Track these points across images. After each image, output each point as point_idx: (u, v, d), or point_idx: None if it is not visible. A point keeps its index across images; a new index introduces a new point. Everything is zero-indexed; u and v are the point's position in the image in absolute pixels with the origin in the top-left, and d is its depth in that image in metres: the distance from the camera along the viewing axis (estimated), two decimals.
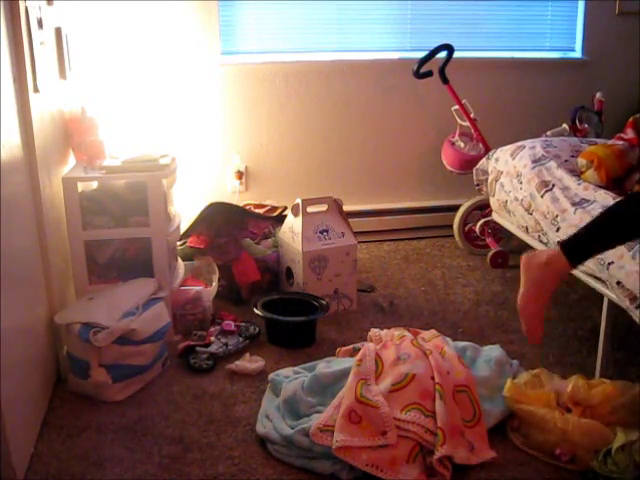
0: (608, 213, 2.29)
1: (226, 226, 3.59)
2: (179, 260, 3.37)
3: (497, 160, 3.63)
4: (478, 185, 3.79)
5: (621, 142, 3.24)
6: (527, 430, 2.38)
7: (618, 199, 2.52)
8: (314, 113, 4.23)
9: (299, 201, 3.38)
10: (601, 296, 2.75)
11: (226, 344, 2.97)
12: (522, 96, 4.47)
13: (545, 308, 2.24)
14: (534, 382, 2.52)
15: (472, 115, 3.98)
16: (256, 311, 3.09)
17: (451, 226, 4.23)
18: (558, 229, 3.01)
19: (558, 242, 2.28)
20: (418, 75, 3.91)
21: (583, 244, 2.25)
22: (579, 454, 2.24)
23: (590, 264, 2.75)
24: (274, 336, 3.09)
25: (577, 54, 4.53)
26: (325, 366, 2.61)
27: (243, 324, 3.13)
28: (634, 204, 2.22)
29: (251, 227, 3.67)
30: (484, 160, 3.75)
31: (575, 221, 2.89)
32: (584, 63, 4.50)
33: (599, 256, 2.61)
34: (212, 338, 2.99)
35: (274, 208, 3.87)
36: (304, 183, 4.21)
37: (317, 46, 4.20)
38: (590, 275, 2.78)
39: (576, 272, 2.91)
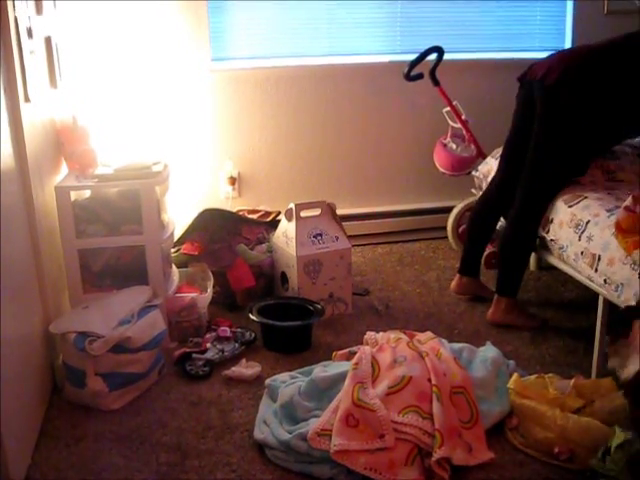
0: (504, 253, 3.29)
1: (220, 232, 3.58)
2: (173, 267, 3.36)
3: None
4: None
5: None
6: (526, 428, 2.38)
7: None
8: (306, 117, 4.23)
9: (292, 206, 3.38)
10: (596, 295, 2.76)
11: (222, 350, 2.97)
12: (513, 97, 4.46)
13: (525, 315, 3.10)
14: (538, 383, 2.52)
15: (463, 117, 3.99)
16: (251, 317, 3.09)
17: (445, 228, 4.23)
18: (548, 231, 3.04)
19: (497, 293, 3.32)
20: (409, 78, 3.91)
21: (511, 282, 3.33)
22: (578, 453, 2.25)
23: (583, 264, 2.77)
24: (270, 341, 3.09)
25: None
26: (322, 370, 2.61)
27: (239, 330, 3.12)
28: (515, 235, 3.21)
29: (245, 233, 3.67)
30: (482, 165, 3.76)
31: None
32: None
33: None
34: (208, 345, 2.98)
35: (267, 213, 3.87)
36: (297, 188, 4.21)
37: (308, 50, 4.20)
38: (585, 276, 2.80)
39: (570, 271, 2.93)
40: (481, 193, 3.57)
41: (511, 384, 2.49)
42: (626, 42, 3.06)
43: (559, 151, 3.05)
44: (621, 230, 2.56)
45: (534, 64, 3.25)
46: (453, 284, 3.55)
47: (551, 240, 3.03)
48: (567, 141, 3.04)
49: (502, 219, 3.45)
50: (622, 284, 2.55)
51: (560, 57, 3.17)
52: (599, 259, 2.68)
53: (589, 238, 2.77)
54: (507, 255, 3.26)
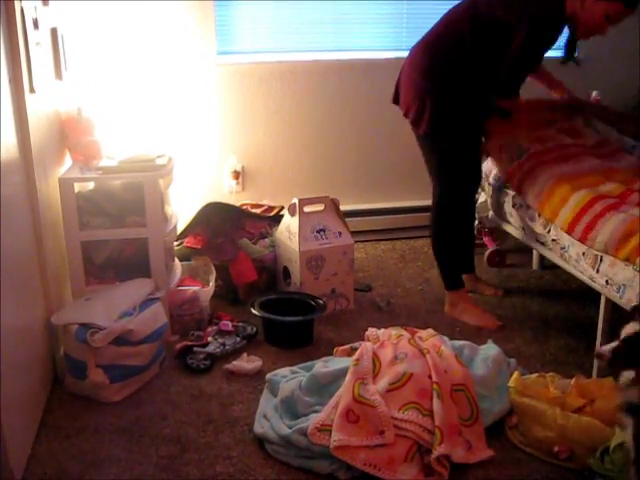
0: (437, 249, 3.45)
1: (223, 226, 3.58)
2: (176, 260, 3.36)
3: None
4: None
5: None
6: (526, 426, 2.38)
7: None
8: (310, 113, 4.23)
9: (296, 201, 3.38)
10: (598, 294, 2.75)
11: (223, 344, 2.97)
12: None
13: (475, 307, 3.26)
14: (539, 382, 2.52)
15: None
16: (253, 311, 3.09)
17: None
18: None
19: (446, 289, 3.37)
20: None
21: (451, 275, 3.48)
22: (578, 452, 2.25)
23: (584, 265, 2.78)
24: (271, 336, 3.09)
25: None
26: (322, 366, 2.61)
27: (240, 324, 3.13)
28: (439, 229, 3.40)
29: (248, 227, 3.67)
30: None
31: None
32: (579, 62, 4.49)
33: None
34: (209, 338, 2.99)
35: (271, 208, 3.87)
36: (301, 183, 4.21)
37: (313, 46, 4.20)
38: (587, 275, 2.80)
39: (573, 271, 2.93)
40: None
41: (512, 382, 2.49)
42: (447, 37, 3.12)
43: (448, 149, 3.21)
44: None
45: (396, 91, 3.35)
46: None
47: (553, 240, 3.03)
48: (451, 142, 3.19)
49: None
50: (624, 285, 2.54)
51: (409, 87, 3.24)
52: (601, 260, 2.68)
53: None
54: (434, 247, 3.40)
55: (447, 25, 3.14)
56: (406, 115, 3.23)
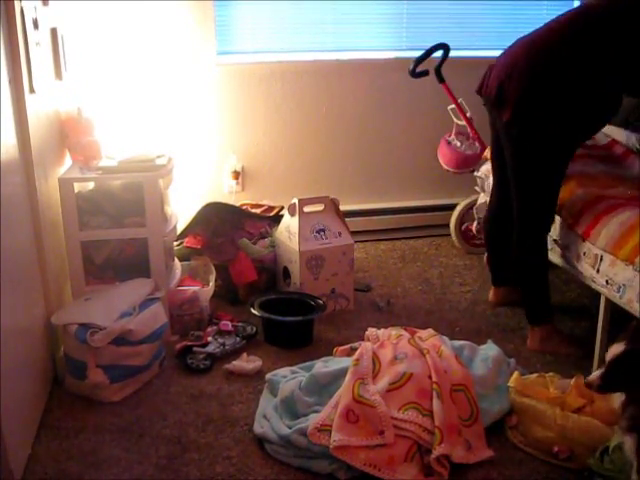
0: (524, 281, 3.08)
1: (223, 226, 3.58)
2: (176, 260, 3.36)
3: None
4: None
5: None
6: (526, 426, 2.38)
7: None
8: (310, 113, 4.23)
9: (296, 201, 3.38)
10: (598, 294, 2.75)
11: (223, 344, 2.97)
12: None
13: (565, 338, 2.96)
14: (539, 382, 2.52)
15: (468, 114, 3.98)
16: (253, 311, 3.09)
17: (448, 225, 4.23)
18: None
19: (530, 324, 3.06)
20: (414, 74, 3.90)
21: (539, 308, 3.07)
22: (577, 452, 2.25)
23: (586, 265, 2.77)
24: (271, 336, 3.09)
25: None
26: (322, 366, 2.61)
27: (240, 324, 3.13)
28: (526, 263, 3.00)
29: (248, 227, 3.67)
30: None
31: None
32: None
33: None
34: (209, 338, 2.99)
35: (271, 208, 3.87)
36: (301, 183, 4.21)
37: (313, 46, 4.20)
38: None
39: (573, 271, 2.92)
40: (488, 200, 3.44)
41: (512, 382, 2.49)
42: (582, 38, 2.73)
43: (535, 170, 2.86)
44: None
45: (488, 73, 2.99)
46: (490, 295, 3.46)
47: (554, 240, 3.03)
48: (540, 159, 2.83)
49: None
50: (624, 285, 2.55)
51: (509, 66, 2.84)
52: (601, 259, 2.68)
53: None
54: (524, 281, 3.07)
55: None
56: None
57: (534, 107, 2.76)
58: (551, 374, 2.57)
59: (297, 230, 3.33)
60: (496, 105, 2.90)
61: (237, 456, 2.33)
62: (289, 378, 2.59)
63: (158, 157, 3.05)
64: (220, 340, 2.99)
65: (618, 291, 2.57)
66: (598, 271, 2.69)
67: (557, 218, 3.01)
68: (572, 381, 2.46)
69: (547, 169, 2.85)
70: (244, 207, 3.83)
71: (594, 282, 2.75)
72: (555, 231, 3.01)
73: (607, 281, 2.64)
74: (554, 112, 2.74)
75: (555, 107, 2.73)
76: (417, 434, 2.25)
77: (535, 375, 2.58)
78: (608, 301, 2.70)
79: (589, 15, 2.79)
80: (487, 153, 3.65)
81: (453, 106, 4.00)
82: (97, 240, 2.99)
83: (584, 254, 2.79)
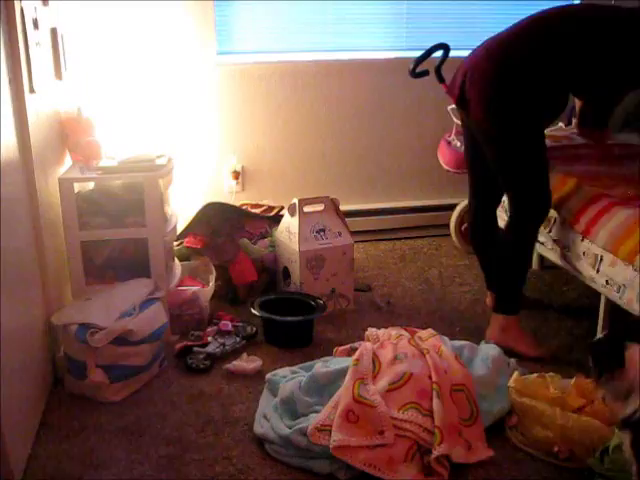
0: (500, 267, 3.04)
1: (223, 226, 3.58)
2: (176, 260, 3.36)
3: None
4: None
5: None
6: (526, 426, 2.38)
7: None
8: (310, 113, 4.23)
9: (296, 201, 3.38)
10: (598, 294, 2.76)
11: (223, 344, 2.97)
12: None
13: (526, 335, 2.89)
14: (539, 382, 2.52)
15: None
16: (253, 311, 3.09)
17: (448, 225, 4.23)
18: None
19: (493, 311, 3.05)
20: (414, 74, 3.89)
21: (506, 298, 3.03)
22: (577, 452, 2.25)
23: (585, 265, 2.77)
24: (271, 336, 3.09)
25: None
26: (322, 366, 2.61)
27: (240, 324, 3.13)
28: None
29: (248, 227, 3.67)
30: None
31: None
32: None
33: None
34: (209, 338, 2.99)
35: (271, 208, 3.87)
36: (301, 183, 4.21)
37: (313, 46, 4.20)
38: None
39: (573, 271, 2.93)
40: (467, 205, 3.40)
41: (511, 382, 2.49)
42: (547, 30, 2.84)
43: (516, 155, 2.86)
44: None
45: (454, 75, 3.06)
46: (487, 300, 3.41)
47: (554, 240, 3.03)
48: (519, 143, 2.83)
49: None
50: (624, 285, 2.55)
51: (470, 67, 2.94)
52: (601, 260, 2.68)
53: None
54: (502, 266, 3.04)
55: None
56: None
57: (495, 103, 2.81)
58: (551, 374, 2.57)
59: (297, 230, 3.33)
60: (459, 105, 2.98)
61: (237, 456, 2.33)
62: (289, 378, 2.59)
63: (158, 157, 3.05)
64: (220, 340, 2.99)
65: (618, 291, 2.57)
66: (598, 271, 2.70)
67: (557, 218, 3.01)
68: (572, 381, 2.46)
69: (528, 151, 2.86)
70: (244, 207, 3.83)
71: (594, 282, 2.75)
72: (555, 231, 3.01)
73: (607, 281, 2.64)
74: (513, 106, 2.78)
75: (513, 103, 2.78)
76: (417, 434, 2.25)
77: (535, 375, 2.58)
78: (608, 301, 2.70)
79: (547, 19, 2.90)
80: None
81: (453, 106, 3.99)
82: (97, 240, 2.99)
83: (584, 254, 2.79)
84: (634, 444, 1.93)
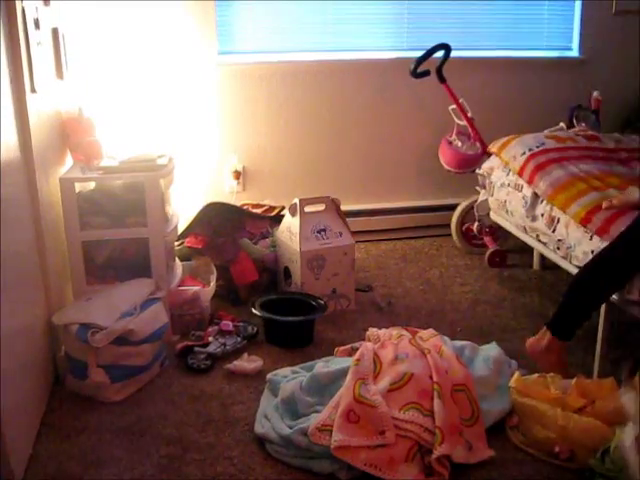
0: (577, 285, 2.71)
1: (224, 226, 3.58)
2: (177, 260, 3.37)
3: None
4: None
5: None
6: (527, 427, 2.38)
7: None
8: (311, 113, 4.23)
9: (297, 201, 3.38)
10: None
11: (224, 344, 2.97)
12: (519, 95, 4.47)
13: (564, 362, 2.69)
14: (540, 383, 2.52)
15: (469, 114, 3.98)
16: (254, 311, 3.09)
17: (449, 225, 4.23)
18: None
19: (546, 325, 2.69)
20: (415, 74, 3.90)
21: (569, 322, 2.68)
22: (578, 452, 2.25)
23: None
24: (272, 336, 3.09)
25: (574, 53, 4.53)
26: (323, 366, 2.61)
27: (241, 324, 3.13)
28: (598, 270, 2.63)
29: (249, 227, 3.67)
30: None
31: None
32: (581, 62, 4.50)
33: None
34: (210, 338, 2.99)
35: (272, 208, 3.87)
36: (301, 183, 4.21)
37: (314, 46, 4.20)
38: None
39: (574, 271, 2.92)
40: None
41: (512, 383, 2.49)
42: None
43: None
44: None
45: None
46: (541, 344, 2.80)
47: (558, 240, 3.02)
48: None
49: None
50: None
51: None
52: None
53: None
54: (573, 290, 2.72)
55: None
56: None
57: None
58: (552, 374, 2.57)
59: (298, 230, 3.33)
60: None
61: (238, 456, 2.33)
62: (290, 378, 2.59)
63: (159, 157, 3.05)
64: (221, 340, 2.99)
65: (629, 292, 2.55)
66: None
67: (561, 218, 3.00)
68: (573, 382, 2.45)
69: None
70: (245, 207, 3.83)
71: None
72: (559, 231, 3.00)
73: None
74: None
75: None
76: (418, 434, 2.25)
77: (536, 375, 2.58)
78: (608, 301, 2.69)
79: None
80: (491, 148, 3.66)
81: (454, 106, 4.00)
82: (98, 240, 2.99)
83: (592, 252, 2.75)
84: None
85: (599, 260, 2.65)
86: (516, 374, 2.53)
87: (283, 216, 3.56)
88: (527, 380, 2.53)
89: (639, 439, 2.07)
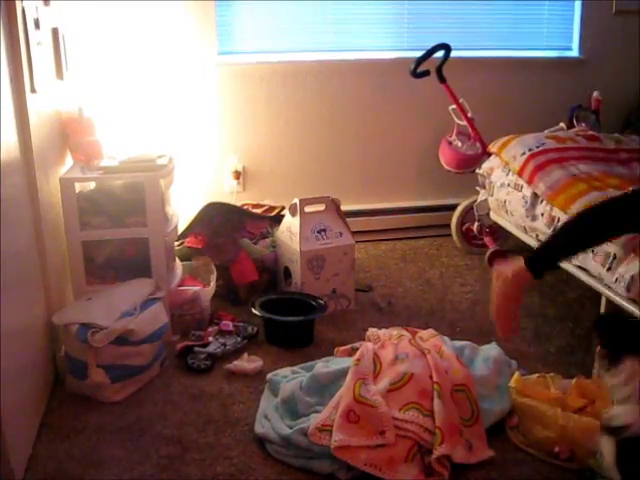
0: (569, 225, 2.34)
1: (224, 226, 3.58)
2: (177, 260, 3.36)
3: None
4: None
5: None
6: (527, 427, 2.38)
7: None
8: (311, 113, 4.23)
9: (297, 201, 3.38)
10: (598, 294, 2.75)
11: (224, 344, 2.97)
12: (519, 95, 4.47)
13: (517, 309, 2.27)
14: (540, 383, 2.52)
15: (469, 114, 3.98)
16: (254, 311, 3.09)
17: (449, 225, 4.23)
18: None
19: (523, 257, 2.27)
20: (415, 74, 3.90)
21: (546, 258, 2.29)
22: (578, 452, 2.25)
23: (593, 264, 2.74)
24: (272, 336, 3.09)
25: (574, 53, 4.53)
26: (323, 366, 2.61)
27: (241, 324, 3.13)
28: (594, 216, 2.27)
29: (249, 227, 3.67)
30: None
31: None
32: (581, 62, 4.50)
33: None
34: (210, 338, 2.99)
35: (272, 208, 3.87)
36: (301, 183, 4.21)
37: (314, 46, 4.20)
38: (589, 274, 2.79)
39: (574, 270, 2.92)
40: None
41: (512, 383, 2.49)
42: None
43: None
44: None
45: None
46: None
47: None
48: None
49: None
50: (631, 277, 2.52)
51: None
52: (614, 258, 2.65)
53: None
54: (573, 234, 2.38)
55: None
56: None
57: None
58: (552, 374, 2.57)
59: (298, 230, 3.33)
60: None
61: (238, 456, 2.33)
62: (290, 378, 2.59)
63: (159, 157, 3.05)
64: (221, 340, 2.99)
65: (628, 288, 2.54)
66: (609, 269, 2.66)
67: (562, 217, 3.00)
68: (573, 382, 2.45)
69: None
70: (245, 207, 3.83)
71: (600, 281, 2.72)
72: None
73: (617, 279, 2.61)
74: None
75: None
76: (418, 434, 2.25)
77: (536, 375, 2.58)
78: (608, 301, 2.69)
79: None
80: (491, 148, 3.67)
81: (454, 106, 4.00)
82: (98, 240, 2.99)
83: (594, 252, 2.74)
84: (619, 461, 1.92)
85: (599, 205, 2.35)
86: (516, 374, 2.53)
87: (283, 216, 3.56)
88: (527, 380, 2.53)
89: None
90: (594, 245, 2.48)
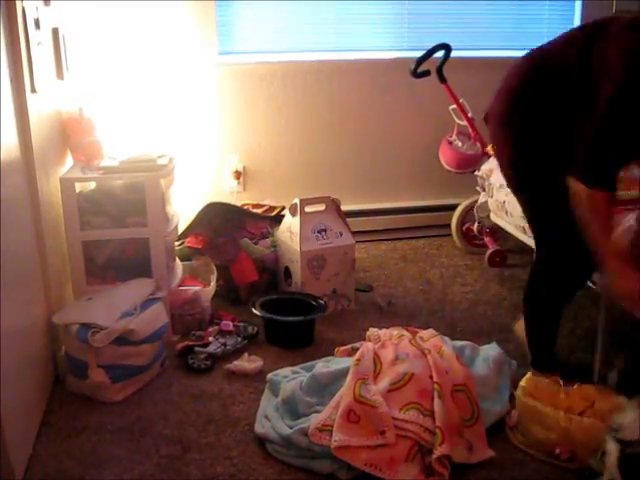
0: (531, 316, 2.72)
1: (224, 226, 3.58)
2: (177, 260, 3.36)
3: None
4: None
5: None
6: (527, 427, 2.38)
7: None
8: (311, 113, 4.23)
9: (297, 201, 3.38)
10: (599, 295, 2.75)
11: (224, 344, 2.97)
12: None
13: None
14: (550, 387, 2.50)
15: (470, 114, 3.98)
16: (254, 311, 3.09)
17: (449, 225, 4.23)
18: None
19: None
20: (416, 74, 3.90)
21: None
22: (579, 453, 2.24)
23: None
24: (272, 336, 3.09)
25: None
26: (323, 366, 2.61)
27: (241, 324, 3.13)
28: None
29: (249, 227, 3.67)
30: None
31: None
32: None
33: None
34: (210, 338, 2.99)
35: (272, 208, 3.87)
36: (302, 183, 4.21)
37: (314, 46, 4.20)
38: None
39: None
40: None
41: (523, 382, 2.46)
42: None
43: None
44: None
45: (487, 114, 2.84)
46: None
47: None
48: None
49: None
50: None
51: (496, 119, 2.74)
52: None
53: None
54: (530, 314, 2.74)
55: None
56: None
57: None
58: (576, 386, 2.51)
59: (298, 230, 3.33)
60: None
61: (238, 456, 2.33)
62: (290, 378, 2.59)
63: (159, 157, 3.05)
64: (221, 340, 2.99)
65: None
66: None
67: None
68: (575, 387, 2.43)
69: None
70: (245, 207, 3.83)
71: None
72: None
73: None
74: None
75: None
76: (418, 434, 2.24)
77: (549, 380, 2.52)
78: (608, 301, 2.68)
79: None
80: (490, 149, 3.66)
81: (454, 106, 4.00)
82: (98, 240, 2.99)
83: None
84: (621, 466, 1.93)
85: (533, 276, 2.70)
86: (528, 374, 2.50)
87: (283, 216, 3.56)
88: (539, 382, 2.49)
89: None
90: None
